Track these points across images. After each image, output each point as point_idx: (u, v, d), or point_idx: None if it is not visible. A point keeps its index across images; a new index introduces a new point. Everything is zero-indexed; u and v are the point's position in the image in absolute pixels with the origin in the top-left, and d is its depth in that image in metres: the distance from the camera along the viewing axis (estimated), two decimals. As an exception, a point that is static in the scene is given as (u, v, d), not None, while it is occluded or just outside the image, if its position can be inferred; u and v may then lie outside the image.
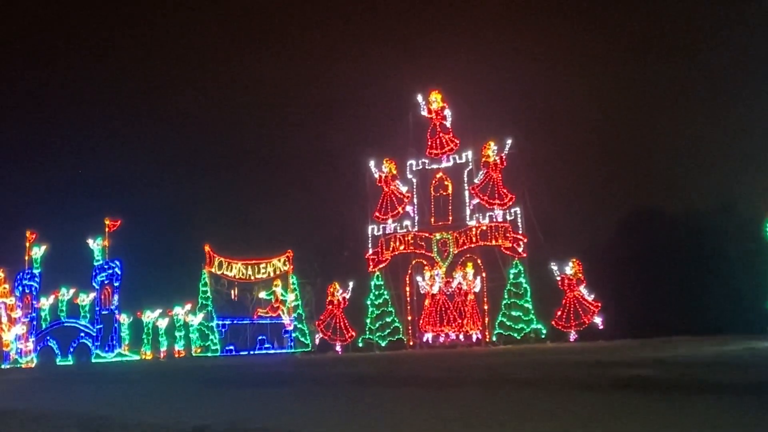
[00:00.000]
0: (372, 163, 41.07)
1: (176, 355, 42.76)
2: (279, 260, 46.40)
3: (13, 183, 62.28)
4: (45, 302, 45.53)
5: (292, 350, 44.63)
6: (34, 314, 45.60)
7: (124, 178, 60.14)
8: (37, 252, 45.88)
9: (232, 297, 46.61)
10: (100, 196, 57.31)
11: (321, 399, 12.57)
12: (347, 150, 44.44)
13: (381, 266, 40.56)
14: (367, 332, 40.22)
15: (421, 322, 39.18)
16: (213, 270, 44.34)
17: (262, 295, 45.94)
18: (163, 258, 51.66)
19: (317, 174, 51.60)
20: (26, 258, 46.21)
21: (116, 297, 42.94)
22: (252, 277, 45.94)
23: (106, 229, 43.66)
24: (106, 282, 43.27)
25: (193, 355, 42.42)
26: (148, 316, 43.30)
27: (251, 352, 43.14)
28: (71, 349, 44.00)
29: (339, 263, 42.80)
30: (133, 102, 61.77)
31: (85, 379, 24.44)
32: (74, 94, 63.18)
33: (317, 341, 41.89)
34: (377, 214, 40.89)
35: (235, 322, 44.40)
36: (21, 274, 46.17)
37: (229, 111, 60.13)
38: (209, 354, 42.01)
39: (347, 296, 40.96)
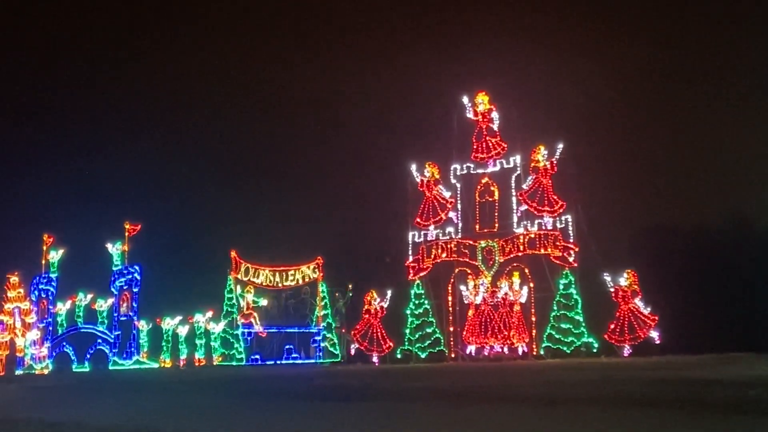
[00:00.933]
0: (413, 167, 39.55)
1: (196, 364, 41.58)
2: (308, 267, 44.92)
3: (29, 185, 60.78)
4: (62, 307, 44.40)
5: (321, 360, 43.18)
6: (50, 319, 44.49)
7: (145, 180, 58.54)
8: (54, 256, 44.88)
9: (266, 306, 45.04)
10: (120, 199, 56.36)
11: (435, 417, 10.68)
12: (386, 153, 42.88)
13: (422, 274, 38.92)
14: (406, 343, 38.56)
15: (464, 333, 37.38)
16: (239, 276, 42.90)
17: (291, 303, 44.43)
18: (185, 264, 50.24)
19: (353, 177, 49.84)
20: (43, 262, 45.18)
21: (135, 303, 41.93)
22: (280, 285, 44.43)
23: (126, 233, 42.73)
24: (125, 287, 42.35)
25: (215, 364, 41.22)
26: (168, 323, 42.16)
27: (278, 362, 41.70)
28: (88, 356, 42.96)
29: (376, 270, 41.09)
30: (156, 101, 60.17)
31: (117, 388, 22.92)
32: (93, 92, 61.91)
33: (352, 351, 40.07)
34: (418, 220, 39.30)
35: (263, 330, 42.79)
36: (37, 278, 45.14)
37: (255, 111, 58.42)
38: (234, 363, 40.72)
39: (385, 305, 39.25)
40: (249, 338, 41.74)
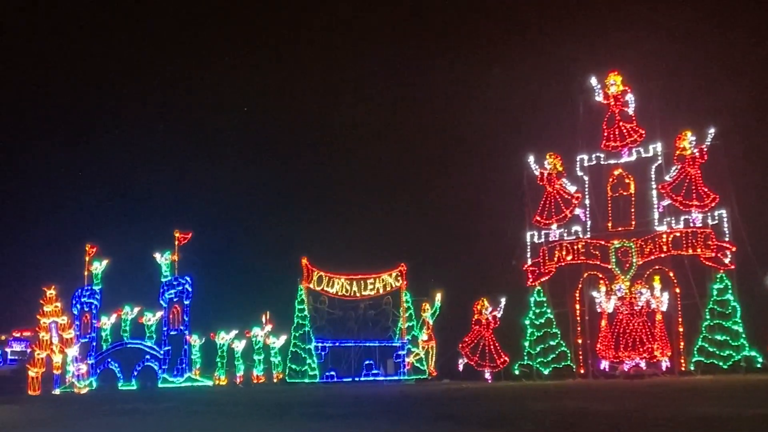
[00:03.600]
0: (531, 159, 35.26)
1: (255, 381, 39.08)
2: (390, 275, 41.13)
3: (70, 191, 57.27)
4: (106, 321, 41.73)
5: (406, 377, 39.61)
6: (93, 334, 41.88)
7: (196, 185, 54.21)
8: (98, 267, 42.04)
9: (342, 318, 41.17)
10: (169, 206, 52.67)
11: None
12: (498, 142, 38.48)
13: (543, 279, 34.64)
14: (525, 357, 34.36)
15: (598, 346, 32.77)
16: (311, 286, 39.31)
17: (371, 314, 40.59)
18: (240, 274, 47.72)
19: (449, 172, 45.07)
20: (85, 273, 42.37)
21: (186, 316, 39.39)
22: (357, 294, 40.75)
23: (176, 242, 39.94)
24: (175, 300, 39.76)
25: (275, 381, 38.83)
26: (223, 338, 39.62)
27: (356, 379, 38.72)
28: (135, 373, 40.54)
29: (483, 276, 36.68)
30: (212, 96, 56.03)
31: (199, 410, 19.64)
32: (141, 92, 57.94)
33: (461, 367, 35.60)
34: (538, 218, 35.02)
35: (337, 344, 39.44)
36: (79, 290, 42.39)
37: (330, 96, 53.70)
38: (306, 380, 37.22)
39: (498, 315, 34.85)
40: (323, 353, 38.47)
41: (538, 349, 34.06)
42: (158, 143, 55.83)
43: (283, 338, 39.57)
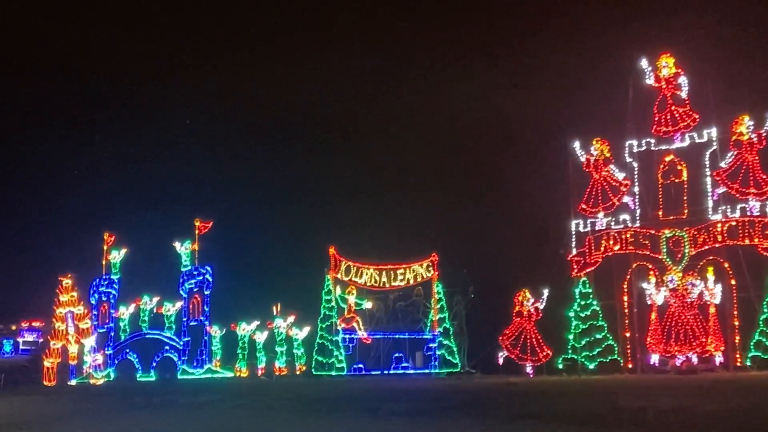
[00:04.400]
0: (576, 145, 33.76)
1: (276, 373, 38.18)
2: (421, 265, 39.87)
3: (87, 179, 56.42)
4: (124, 311, 41.26)
5: (437, 371, 38.55)
6: (111, 324, 41.27)
7: (217, 172, 53.44)
8: (116, 256, 41.55)
9: (370, 309, 39.64)
10: (189, 194, 51.91)
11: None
12: (541, 127, 36.99)
13: (588, 270, 33.21)
14: (569, 351, 32.92)
15: (648, 340, 31.36)
16: (339, 276, 38.13)
17: (401, 305, 39.58)
18: (262, 263, 46.53)
19: (493, 156, 43.35)
20: (103, 263, 41.85)
21: (207, 307, 38.50)
22: (387, 285, 39.55)
23: (196, 231, 39.03)
24: (195, 290, 38.88)
25: (297, 373, 38.06)
26: (244, 329, 38.70)
27: (385, 372, 37.56)
28: (154, 364, 39.83)
29: (527, 266, 35.32)
30: (236, 80, 54.50)
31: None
32: (161, 79, 56.46)
33: (500, 360, 34.19)
34: (584, 206, 33.59)
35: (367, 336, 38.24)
36: (97, 280, 41.83)
37: (359, 78, 51.99)
38: (333, 373, 36.14)
39: (540, 306, 33.39)
40: (351, 345, 37.29)
41: (583, 342, 32.67)
42: (179, 129, 54.77)
43: (306, 329, 38.67)
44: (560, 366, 32.89)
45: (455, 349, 39.08)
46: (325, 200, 49.20)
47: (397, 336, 38.71)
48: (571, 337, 32.89)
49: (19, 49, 63.31)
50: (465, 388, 24.87)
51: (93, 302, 41.72)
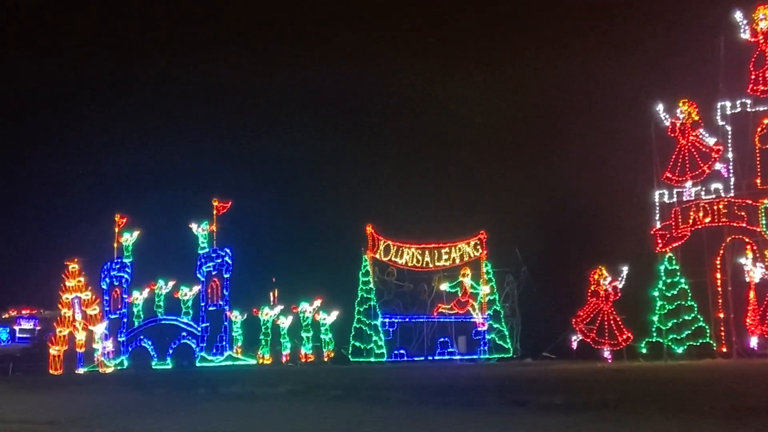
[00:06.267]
0: (660, 107, 30.88)
1: (302, 360, 36.97)
2: (468, 244, 37.98)
3: (97, 157, 54.34)
4: (138, 296, 39.97)
5: (487, 356, 36.74)
6: (124, 310, 40.05)
7: (236, 148, 51.25)
8: (128, 238, 40.24)
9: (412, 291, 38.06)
10: (206, 172, 49.86)
11: None
12: (619, 88, 34.00)
13: (675, 245, 30.39)
14: (654, 334, 30.22)
15: (748, 321, 28.57)
16: (378, 256, 36.39)
17: (444, 287, 37.59)
18: (286, 244, 45.28)
19: (560, 119, 40.31)
20: (115, 246, 40.65)
21: (226, 291, 37.34)
22: (430, 265, 37.79)
23: (214, 212, 37.73)
24: (213, 273, 37.73)
25: (325, 360, 36.87)
26: (267, 314, 37.26)
27: (430, 358, 36.28)
28: (170, 351, 38.61)
29: (597, 241, 32.51)
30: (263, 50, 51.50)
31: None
32: (177, 55, 53.70)
33: (574, 344, 31.34)
34: (669, 174, 30.77)
35: (409, 320, 36.95)
36: (109, 264, 40.59)
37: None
38: (372, 359, 34.51)
39: (619, 285, 30.52)
40: (391, 330, 35.91)
41: (669, 324, 29.92)
42: (193, 102, 52.25)
43: (334, 314, 37.31)
44: (643, 350, 30.27)
45: (506, 333, 37.30)
46: (361, 174, 46.55)
47: (442, 320, 37.06)
48: (655, 318, 30.17)
49: (30, 25, 60.32)
50: (542, 375, 21.79)
51: (104, 287, 40.48)
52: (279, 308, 37.41)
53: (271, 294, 38.68)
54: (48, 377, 34.28)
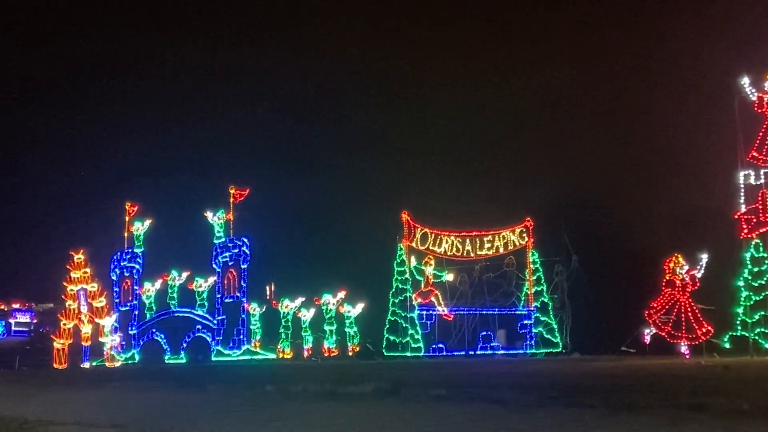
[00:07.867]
0: (746, 81, 28.80)
1: (325, 354, 36.61)
2: (513, 231, 36.37)
3: (107, 145, 52.42)
4: (150, 288, 39.37)
5: (533, 351, 35.52)
6: (135, 302, 39.22)
7: (254, 133, 50.39)
8: (140, 228, 39.47)
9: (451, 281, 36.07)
10: (222, 158, 49.80)
11: None
12: (699, 60, 31.83)
13: (762, 230, 28.37)
14: (738, 327, 28.10)
15: None
16: (414, 245, 34.61)
17: (488, 277, 36.00)
18: (307, 233, 44.42)
19: (626, 95, 38.17)
20: (125, 235, 39.83)
21: (244, 282, 36.23)
22: (472, 254, 36.18)
23: (231, 200, 36.88)
24: (230, 263, 36.83)
25: (350, 354, 36.51)
26: (287, 306, 36.72)
27: (471, 353, 34.74)
28: (184, 345, 37.76)
29: (666, 227, 30.24)
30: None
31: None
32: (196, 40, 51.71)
33: (647, 338, 29.15)
34: (755, 153, 28.74)
35: (450, 310, 35.21)
36: (119, 254, 39.92)
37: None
38: (408, 354, 33.05)
39: (698, 275, 28.67)
40: (429, 323, 34.39)
41: (756, 317, 27.96)
42: (209, 85, 50.24)
43: (360, 306, 36.86)
44: (726, 345, 28.11)
45: (555, 326, 35.61)
46: (397, 158, 44.79)
47: (484, 312, 35.50)
48: (740, 310, 28.25)
49: (43, 13, 58.16)
50: (693, 373, 18.93)
51: (114, 278, 39.68)
52: (300, 300, 36.40)
53: (268, 288, 38.03)
54: (53, 372, 33.32)
